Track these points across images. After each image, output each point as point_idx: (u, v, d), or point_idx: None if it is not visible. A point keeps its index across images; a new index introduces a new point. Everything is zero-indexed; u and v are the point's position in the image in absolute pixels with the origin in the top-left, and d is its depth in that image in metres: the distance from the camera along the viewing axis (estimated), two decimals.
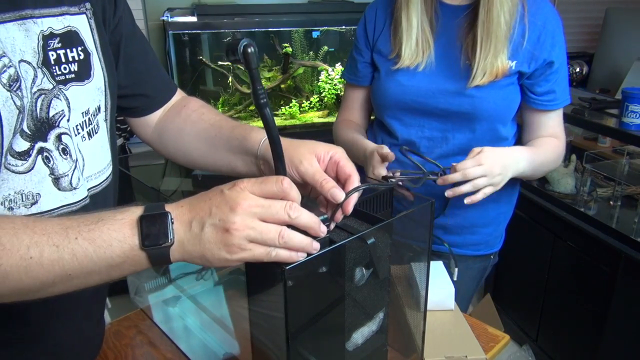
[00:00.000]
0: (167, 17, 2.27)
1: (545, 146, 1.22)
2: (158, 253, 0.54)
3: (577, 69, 2.64)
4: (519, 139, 1.29)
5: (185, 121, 0.86)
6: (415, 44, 1.16)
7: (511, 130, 1.25)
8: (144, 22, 2.43)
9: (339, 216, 0.64)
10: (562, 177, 2.07)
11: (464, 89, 1.15)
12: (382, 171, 1.09)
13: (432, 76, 1.17)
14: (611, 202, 1.95)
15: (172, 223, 0.54)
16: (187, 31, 2.32)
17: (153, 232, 0.53)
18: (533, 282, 2.19)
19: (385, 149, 1.08)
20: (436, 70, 1.17)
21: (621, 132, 1.84)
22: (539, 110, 1.21)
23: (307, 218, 0.57)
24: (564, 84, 1.20)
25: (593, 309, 1.88)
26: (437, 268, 1.09)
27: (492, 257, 1.36)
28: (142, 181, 1.05)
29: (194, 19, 2.29)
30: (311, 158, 0.68)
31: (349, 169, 0.67)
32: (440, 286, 1.04)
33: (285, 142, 0.74)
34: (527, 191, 2.12)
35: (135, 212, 0.54)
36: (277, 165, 0.60)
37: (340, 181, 0.68)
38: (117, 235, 0.53)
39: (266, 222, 0.54)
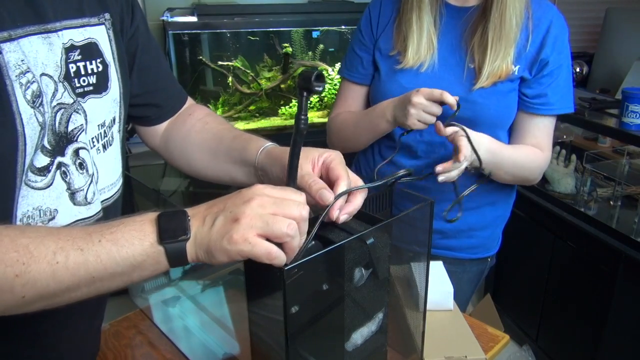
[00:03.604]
0: (167, 17, 2.27)
1: (521, 150, 1.16)
2: (175, 248, 0.54)
3: (577, 69, 2.64)
4: None
5: (189, 130, 0.86)
6: (422, 44, 1.14)
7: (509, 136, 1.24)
8: None
9: (332, 215, 0.64)
10: (562, 177, 2.08)
11: (466, 94, 1.13)
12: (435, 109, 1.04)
13: (435, 79, 1.15)
14: (611, 202, 1.95)
15: (189, 220, 0.55)
16: (187, 31, 2.32)
17: (171, 226, 0.54)
18: (533, 282, 2.19)
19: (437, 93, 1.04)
20: (439, 73, 1.15)
21: (621, 132, 1.83)
22: (527, 112, 1.17)
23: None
24: (561, 90, 1.16)
25: (593, 309, 1.88)
26: (437, 268, 1.09)
27: (489, 259, 1.36)
28: (142, 181, 1.05)
29: (194, 19, 2.29)
30: (304, 162, 0.68)
31: (338, 171, 0.66)
32: (439, 286, 1.04)
33: (278, 149, 0.74)
34: (527, 191, 2.12)
35: (155, 213, 0.56)
36: (289, 181, 0.63)
37: (330, 184, 0.67)
38: (138, 234, 0.54)
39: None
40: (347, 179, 0.66)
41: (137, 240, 0.53)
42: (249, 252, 0.53)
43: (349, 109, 1.31)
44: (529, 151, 1.18)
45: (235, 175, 0.80)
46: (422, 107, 1.04)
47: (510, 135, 1.23)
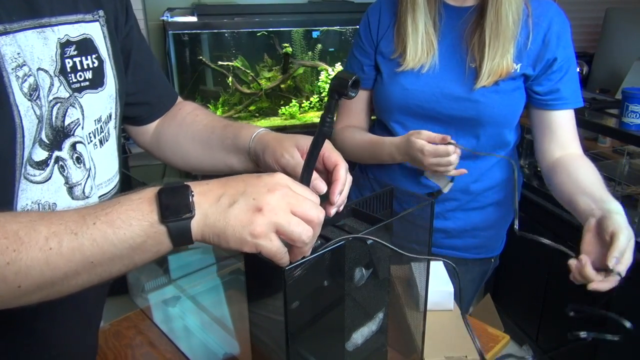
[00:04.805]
0: (167, 17, 2.27)
1: (593, 177, 1.09)
2: (179, 226, 0.51)
3: (577, 69, 2.64)
4: (521, 144, 1.26)
5: (180, 125, 0.87)
6: (419, 45, 1.14)
7: (515, 134, 1.23)
8: (144, 22, 2.43)
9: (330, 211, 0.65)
10: None
11: (468, 93, 1.13)
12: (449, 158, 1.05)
13: (436, 80, 1.15)
14: None
15: (193, 196, 0.52)
16: (187, 31, 2.32)
17: (173, 203, 0.50)
18: (533, 282, 2.19)
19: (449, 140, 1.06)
20: (440, 73, 1.15)
21: (621, 132, 1.83)
22: (545, 110, 1.17)
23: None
24: (571, 84, 1.16)
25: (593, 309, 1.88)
26: (437, 268, 1.09)
27: (493, 260, 1.36)
28: (142, 181, 1.05)
29: (194, 19, 2.29)
30: (293, 151, 0.69)
31: (335, 157, 0.67)
32: (440, 286, 1.04)
33: (269, 136, 0.75)
34: (527, 191, 2.12)
35: (153, 190, 0.53)
36: (303, 181, 0.62)
37: (329, 170, 0.68)
38: (136, 214, 0.50)
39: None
40: (345, 163, 0.67)
41: (134, 221, 0.50)
42: (267, 248, 0.52)
43: (353, 116, 1.31)
44: (591, 172, 1.11)
45: (230, 163, 0.81)
46: (430, 154, 1.05)
47: (539, 136, 1.21)
